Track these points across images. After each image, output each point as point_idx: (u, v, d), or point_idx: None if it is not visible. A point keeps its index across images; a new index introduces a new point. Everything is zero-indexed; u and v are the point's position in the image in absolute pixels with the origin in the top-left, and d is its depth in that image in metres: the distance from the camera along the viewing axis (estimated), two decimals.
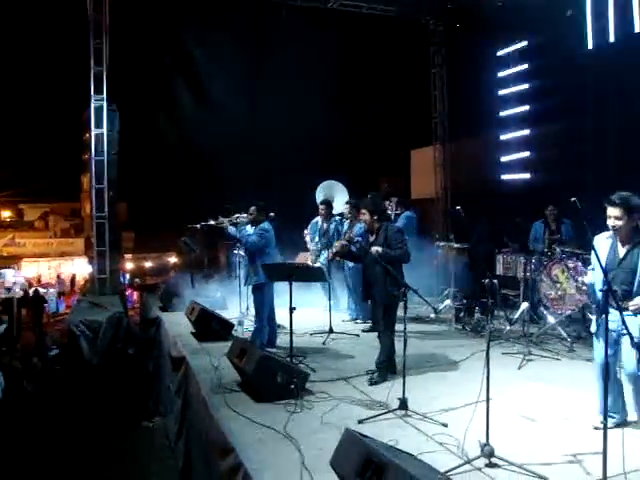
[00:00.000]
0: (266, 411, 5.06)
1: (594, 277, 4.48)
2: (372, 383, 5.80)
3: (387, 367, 5.95)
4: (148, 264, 23.60)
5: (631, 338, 3.55)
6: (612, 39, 8.97)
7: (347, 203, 9.19)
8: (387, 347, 5.94)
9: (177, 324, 8.53)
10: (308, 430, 4.63)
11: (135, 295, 17.64)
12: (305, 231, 9.59)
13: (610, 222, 4.24)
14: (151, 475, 6.78)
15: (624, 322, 3.37)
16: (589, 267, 4.81)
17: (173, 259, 21.03)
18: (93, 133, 11.30)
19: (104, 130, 11.32)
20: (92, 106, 11.26)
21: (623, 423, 4.51)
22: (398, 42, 13.09)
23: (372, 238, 6.13)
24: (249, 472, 3.83)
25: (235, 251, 9.01)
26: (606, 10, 8.98)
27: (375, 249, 5.82)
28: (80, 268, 23.74)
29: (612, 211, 4.22)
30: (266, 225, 7.24)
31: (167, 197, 17.66)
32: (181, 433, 6.45)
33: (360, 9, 12.57)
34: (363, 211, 6.21)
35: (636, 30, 8.54)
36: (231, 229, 7.45)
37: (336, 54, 13.24)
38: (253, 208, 7.32)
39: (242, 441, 4.34)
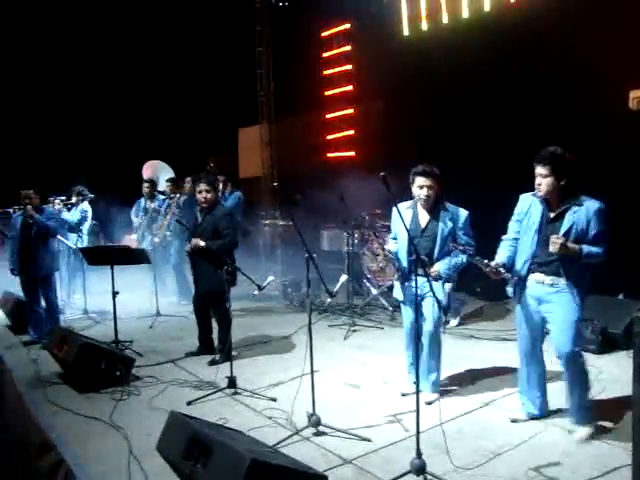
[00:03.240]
0: (91, 401, 4.88)
1: (398, 245, 4.69)
2: (213, 363, 5.72)
3: (229, 348, 5.89)
4: None
5: (437, 301, 3.83)
6: (425, 27, 9.62)
7: (168, 181, 8.98)
8: (226, 329, 5.78)
9: None
10: (136, 417, 4.53)
11: None
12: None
13: (423, 192, 4.49)
14: None
15: (431, 286, 3.61)
16: (390, 235, 5.01)
17: None
18: None
19: None
20: None
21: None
22: (225, 19, 12.88)
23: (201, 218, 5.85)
24: (71, 468, 3.65)
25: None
26: (419, 1, 9.61)
27: (195, 243, 5.60)
28: None
29: (424, 181, 4.48)
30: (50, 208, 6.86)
31: None
32: None
33: None
34: (207, 188, 5.76)
35: (444, 21, 9.23)
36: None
37: (162, 31, 12.77)
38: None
39: (65, 436, 4.13)
